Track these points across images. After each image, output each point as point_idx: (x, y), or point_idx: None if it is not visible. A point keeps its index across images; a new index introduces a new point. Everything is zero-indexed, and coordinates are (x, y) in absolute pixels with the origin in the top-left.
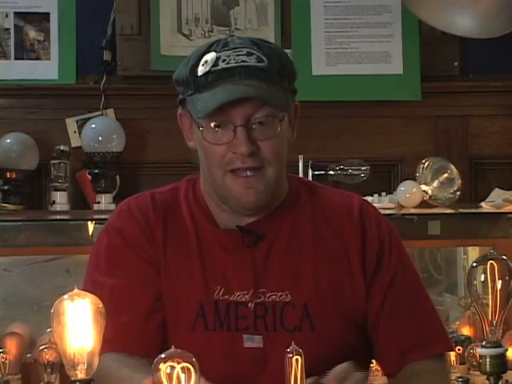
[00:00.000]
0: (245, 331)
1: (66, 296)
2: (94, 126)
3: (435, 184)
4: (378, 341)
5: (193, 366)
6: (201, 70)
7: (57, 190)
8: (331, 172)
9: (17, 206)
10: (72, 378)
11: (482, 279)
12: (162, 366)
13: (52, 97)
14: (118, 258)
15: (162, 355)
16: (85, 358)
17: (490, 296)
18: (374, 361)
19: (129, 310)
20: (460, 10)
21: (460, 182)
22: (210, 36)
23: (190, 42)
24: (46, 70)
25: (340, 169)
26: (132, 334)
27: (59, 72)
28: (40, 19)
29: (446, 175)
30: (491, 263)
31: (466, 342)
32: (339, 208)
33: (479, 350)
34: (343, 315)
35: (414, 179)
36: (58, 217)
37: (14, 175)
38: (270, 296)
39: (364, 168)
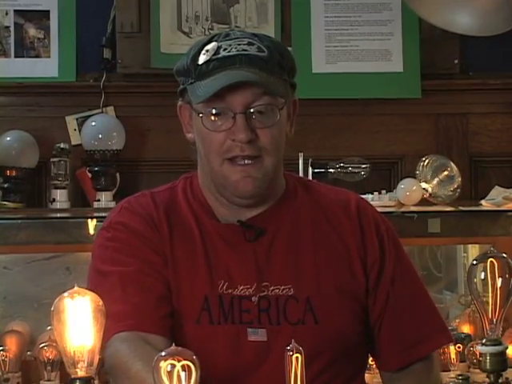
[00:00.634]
0: (249, 325)
1: (66, 294)
2: (94, 123)
3: (435, 182)
4: (381, 337)
5: (193, 364)
6: (202, 59)
7: (57, 187)
8: (331, 170)
9: (17, 204)
10: (72, 376)
11: (482, 277)
12: (163, 364)
13: (52, 94)
14: (125, 249)
15: (163, 353)
16: (85, 355)
17: (490, 294)
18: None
19: (140, 293)
20: (460, 8)
21: (460, 179)
22: (209, 34)
23: (190, 40)
24: (46, 67)
25: (340, 167)
26: (144, 313)
27: (59, 70)
28: (40, 17)
29: (446, 173)
30: (491, 261)
31: (466, 339)
32: (336, 204)
33: (479, 348)
34: (345, 308)
35: (414, 177)
36: (58, 215)
37: (14, 173)
38: (273, 290)
39: (364, 166)
